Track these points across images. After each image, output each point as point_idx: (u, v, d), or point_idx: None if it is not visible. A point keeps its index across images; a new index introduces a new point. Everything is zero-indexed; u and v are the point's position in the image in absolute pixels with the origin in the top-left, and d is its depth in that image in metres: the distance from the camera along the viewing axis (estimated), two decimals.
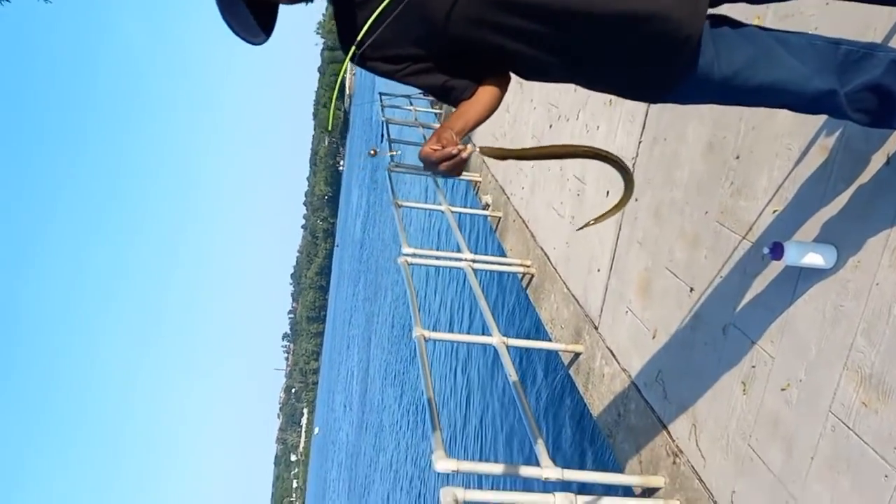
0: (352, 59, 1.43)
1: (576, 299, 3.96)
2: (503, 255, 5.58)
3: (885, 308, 1.81)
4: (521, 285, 5.10)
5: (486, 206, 6.43)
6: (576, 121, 4.34)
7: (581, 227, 1.52)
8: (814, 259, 2.00)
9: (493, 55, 1.43)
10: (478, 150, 1.38)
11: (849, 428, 1.88)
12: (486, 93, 1.46)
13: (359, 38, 1.36)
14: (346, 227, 59.20)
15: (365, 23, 1.34)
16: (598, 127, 3.96)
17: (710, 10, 1.45)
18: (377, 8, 1.32)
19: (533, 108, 5.28)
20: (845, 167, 2.01)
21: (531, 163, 5.44)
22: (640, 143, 3.39)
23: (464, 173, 7.03)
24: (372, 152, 5.51)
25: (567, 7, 1.33)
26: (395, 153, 5.68)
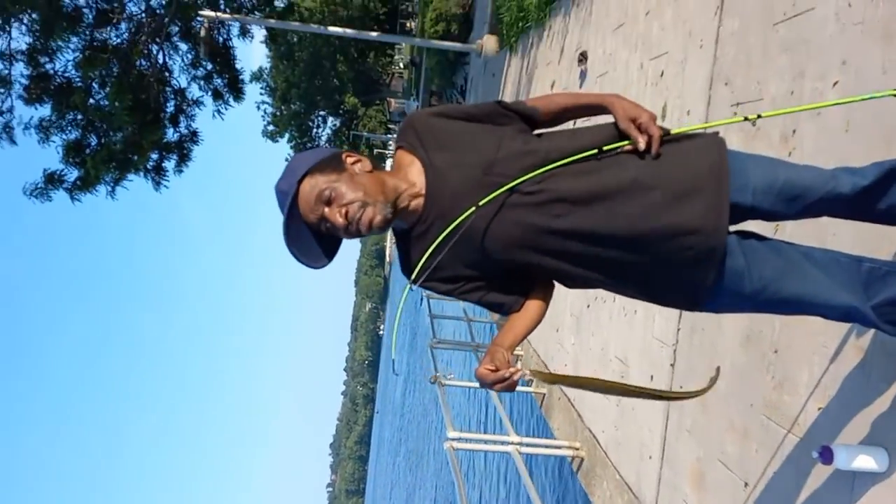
0: (413, 283, 1.63)
1: (629, 488, 3.87)
2: (549, 434, 5.51)
3: None
4: (570, 469, 4.99)
5: (529, 383, 6.44)
6: (613, 303, 4.49)
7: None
8: (865, 462, 2.00)
9: (538, 272, 1.62)
10: (528, 372, 1.51)
11: None
12: (533, 305, 1.65)
13: (418, 267, 1.57)
14: (386, 393, 58.58)
15: (423, 251, 1.55)
16: (635, 311, 4.09)
17: (737, 227, 1.62)
18: (434, 240, 1.53)
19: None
20: (884, 369, 2.07)
21: (571, 339, 5.53)
22: (678, 329, 3.48)
23: None
24: (433, 380, 5.65)
25: (602, 229, 1.51)
26: (451, 376, 5.87)
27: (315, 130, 26.23)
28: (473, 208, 1.51)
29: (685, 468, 3.25)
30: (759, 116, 1.71)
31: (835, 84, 2.45)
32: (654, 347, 3.73)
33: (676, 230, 1.50)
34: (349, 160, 1.57)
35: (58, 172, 9.87)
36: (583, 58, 5.76)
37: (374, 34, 16.04)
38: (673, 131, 1.58)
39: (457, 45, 14.43)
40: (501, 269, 1.61)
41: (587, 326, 5.03)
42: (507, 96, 10.67)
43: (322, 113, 26.88)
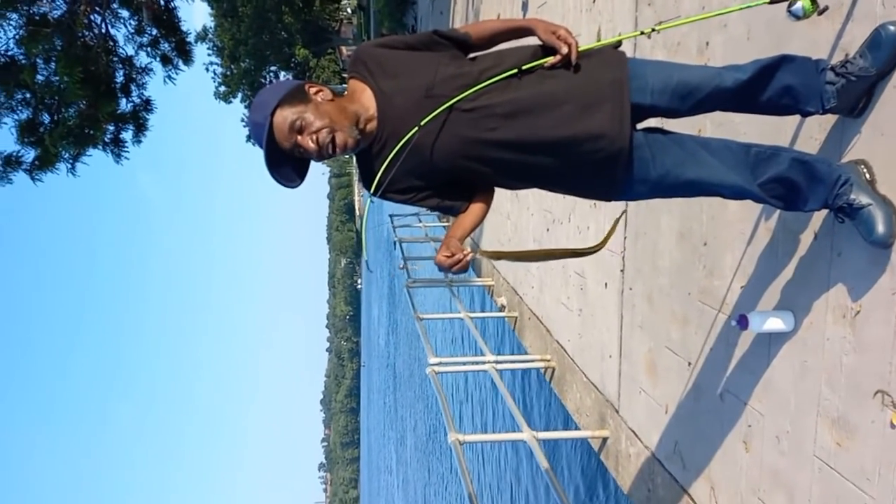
0: (373, 195, 1.91)
1: (595, 387, 4.25)
2: (524, 352, 5.90)
3: (836, 359, 2.15)
4: (544, 379, 5.39)
5: (501, 308, 6.81)
6: (568, 223, 4.80)
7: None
8: (775, 324, 2.35)
9: (476, 178, 1.91)
10: (479, 253, 1.83)
11: (831, 468, 2.17)
12: (476, 206, 1.96)
13: (377, 179, 1.85)
14: (370, 343, 59.44)
15: (381, 167, 1.82)
16: (588, 227, 4.40)
17: (643, 125, 1.90)
18: (388, 156, 1.79)
19: (531, 214, 5.77)
20: (787, 244, 2.40)
21: (536, 264, 5.87)
22: (625, 238, 3.81)
23: (477, 279, 7.47)
24: (401, 266, 6.26)
25: (526, 139, 1.80)
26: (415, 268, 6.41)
27: None
28: (416, 128, 1.77)
29: (640, 360, 3.63)
30: (653, 30, 1.98)
31: None
32: (605, 257, 4.06)
33: (587, 136, 1.78)
34: (312, 90, 1.81)
35: (15, 154, 9.80)
36: None
37: None
38: (581, 48, 1.83)
39: None
40: (447, 178, 1.89)
41: (549, 246, 5.36)
42: None
43: (273, 68, 26.43)
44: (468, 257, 1.74)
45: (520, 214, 6.11)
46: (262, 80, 25.33)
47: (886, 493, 1.95)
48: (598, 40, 4.25)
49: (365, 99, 1.84)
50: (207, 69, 24.99)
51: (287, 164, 1.83)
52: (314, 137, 1.75)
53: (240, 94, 24.32)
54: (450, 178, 1.89)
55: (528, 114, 1.78)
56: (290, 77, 27.60)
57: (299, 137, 1.75)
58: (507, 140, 1.80)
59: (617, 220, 2.02)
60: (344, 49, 32.82)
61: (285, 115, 1.75)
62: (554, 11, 5.15)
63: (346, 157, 1.93)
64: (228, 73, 24.68)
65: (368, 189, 1.92)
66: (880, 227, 1.89)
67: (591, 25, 4.32)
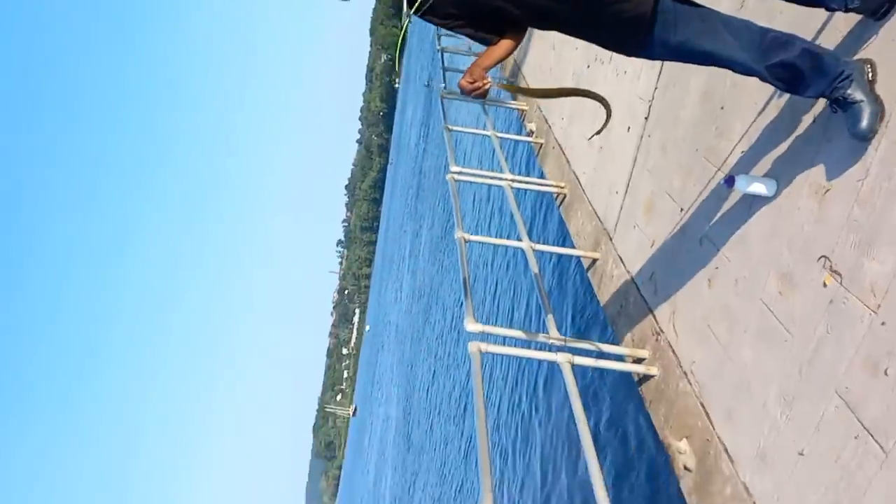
0: (413, 13, 2.20)
1: (598, 216, 4.70)
2: (543, 177, 6.28)
3: (800, 227, 2.53)
4: (555, 204, 5.84)
5: (530, 133, 7.08)
6: (609, 64, 4.95)
7: (590, 138, 2.26)
8: (757, 188, 2.71)
9: (508, 17, 2.18)
10: (497, 84, 2.16)
11: (769, 310, 2.64)
12: (505, 42, 2.25)
13: (418, 2, 2.12)
14: (401, 142, 59.92)
15: None
16: (625, 71, 4.58)
17: None
18: None
19: (574, 48, 5.86)
20: (788, 122, 2.68)
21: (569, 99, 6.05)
22: (656, 87, 4.03)
23: (512, 102, 7.67)
24: (427, 84, 6.46)
25: None
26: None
27: None
28: None
29: (641, 199, 4.02)
30: None
31: None
32: (635, 103, 4.30)
33: None
34: None
35: None
36: None
37: None
38: None
39: None
40: (483, 13, 2.16)
41: (585, 84, 5.53)
42: None
43: None
44: (487, 86, 2.06)
45: (564, 46, 6.17)
46: None
47: (805, 336, 2.43)
48: None
49: None
50: None
51: None
52: None
53: None
54: (485, 14, 2.16)
55: None
56: None
57: None
58: None
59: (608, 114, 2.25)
60: None
61: None
62: None
63: None
64: None
65: (410, 8, 2.18)
66: (864, 123, 2.17)
67: None
